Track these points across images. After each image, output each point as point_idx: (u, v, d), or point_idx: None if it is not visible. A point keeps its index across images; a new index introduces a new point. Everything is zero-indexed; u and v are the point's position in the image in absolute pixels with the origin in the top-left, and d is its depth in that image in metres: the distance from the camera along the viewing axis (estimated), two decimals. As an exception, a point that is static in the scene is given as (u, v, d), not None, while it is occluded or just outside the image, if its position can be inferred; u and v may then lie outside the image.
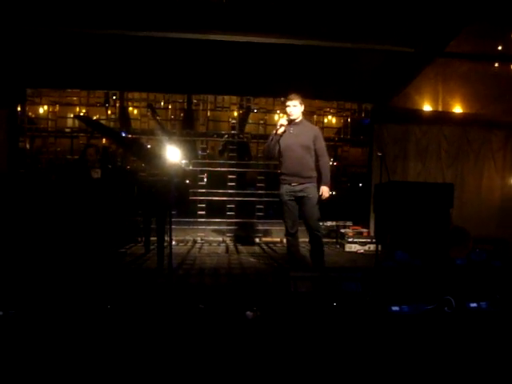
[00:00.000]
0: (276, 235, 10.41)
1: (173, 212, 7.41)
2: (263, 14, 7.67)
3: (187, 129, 11.35)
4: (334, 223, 10.53)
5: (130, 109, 12.19)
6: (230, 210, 10.50)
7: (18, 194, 6.67)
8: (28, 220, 6.70)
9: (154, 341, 4.29)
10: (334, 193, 9.81)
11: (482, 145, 10.42)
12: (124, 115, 11.69)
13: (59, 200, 6.61)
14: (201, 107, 11.66)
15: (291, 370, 3.80)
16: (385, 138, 10.12)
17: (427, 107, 10.24)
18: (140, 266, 7.51)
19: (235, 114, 11.48)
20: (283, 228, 6.93)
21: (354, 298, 5.40)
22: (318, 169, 6.54)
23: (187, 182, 8.14)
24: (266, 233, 10.72)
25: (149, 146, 9.60)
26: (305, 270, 6.10)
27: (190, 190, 9.87)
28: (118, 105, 11.56)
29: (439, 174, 10.24)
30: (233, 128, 10.97)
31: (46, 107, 11.45)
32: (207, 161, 10.86)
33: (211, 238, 10.37)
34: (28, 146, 10.87)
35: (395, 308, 5.24)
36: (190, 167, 10.13)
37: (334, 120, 12.78)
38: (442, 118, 10.23)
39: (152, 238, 8.15)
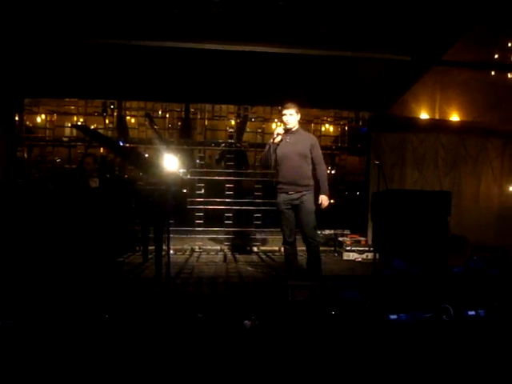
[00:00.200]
0: (274, 244, 10.39)
1: (171, 221, 7.40)
2: (261, 24, 7.69)
3: (185, 138, 11.35)
4: (331, 231, 10.53)
5: (128, 118, 12.19)
6: (228, 218, 10.48)
7: (16, 203, 6.66)
8: (26, 230, 6.69)
9: (153, 350, 4.28)
10: (332, 201, 9.82)
11: (479, 152, 10.44)
12: (122, 124, 11.69)
13: (57, 209, 6.61)
14: (198, 116, 11.69)
15: (290, 378, 3.79)
16: (382, 146, 10.13)
17: (424, 115, 10.25)
18: (138, 275, 7.50)
19: (233, 122, 11.49)
20: (281, 237, 6.93)
21: (352, 307, 5.40)
22: (315, 177, 6.54)
23: (185, 190, 8.14)
24: (264, 241, 10.70)
25: (146, 155, 9.60)
26: (303, 278, 6.08)
27: (188, 199, 9.87)
28: (115, 114, 11.56)
29: (437, 182, 10.25)
30: (230, 137, 10.99)
31: (43, 116, 11.46)
32: (205, 170, 10.85)
33: (209, 247, 10.35)
34: (26, 155, 10.86)
35: (393, 316, 5.23)
36: (188, 176, 10.13)
37: (331, 128, 12.78)
38: (439, 126, 10.25)
39: (150, 247, 8.13)
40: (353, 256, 9.50)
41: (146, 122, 10.75)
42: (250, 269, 8.34)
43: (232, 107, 11.37)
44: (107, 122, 11.54)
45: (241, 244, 10.42)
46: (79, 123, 11.41)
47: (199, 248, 10.24)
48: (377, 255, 7.12)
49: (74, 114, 11.66)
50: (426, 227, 7.84)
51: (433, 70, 9.06)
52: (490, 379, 3.90)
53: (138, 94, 10.03)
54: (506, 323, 5.32)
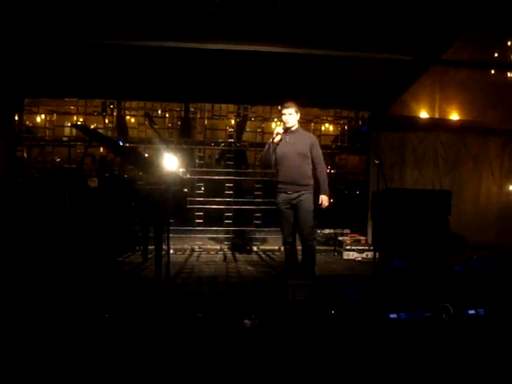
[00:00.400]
0: (274, 243, 10.39)
1: (170, 220, 7.40)
2: (260, 23, 7.68)
3: (184, 137, 11.34)
4: (331, 231, 10.54)
5: (128, 117, 12.18)
6: (228, 218, 10.48)
7: (16, 203, 6.66)
8: (26, 230, 6.69)
9: (153, 349, 4.28)
10: (331, 200, 9.82)
11: (479, 152, 10.43)
12: (121, 124, 11.68)
13: (57, 209, 6.60)
14: (198, 116, 11.68)
15: (289, 377, 3.79)
16: (382, 145, 10.12)
17: (424, 114, 10.25)
18: (138, 275, 7.50)
19: (232, 122, 11.48)
20: (281, 236, 6.93)
21: (352, 306, 5.39)
22: (315, 177, 6.54)
23: (185, 190, 8.13)
24: (264, 241, 10.71)
25: (146, 155, 9.60)
26: (303, 278, 6.08)
27: (188, 199, 9.87)
28: (115, 114, 11.54)
29: (436, 181, 10.24)
30: (230, 136, 10.98)
31: (43, 116, 11.44)
32: (205, 169, 10.85)
33: (209, 247, 10.35)
34: (26, 155, 10.85)
35: (393, 315, 5.23)
36: (188, 176, 10.12)
37: (331, 128, 12.76)
38: (439, 125, 10.24)
39: (150, 247, 8.13)
40: (353, 255, 9.51)
41: (146, 122, 10.74)
42: (249, 268, 8.34)
43: (232, 107, 11.35)
44: (107, 121, 11.53)
45: (241, 243, 10.42)
46: (79, 123, 11.39)
47: (199, 247, 10.24)
48: (377, 254, 7.12)
49: (74, 114, 11.64)
50: (426, 226, 7.84)
51: (432, 70, 9.05)
52: (491, 378, 3.90)
53: (138, 93, 10.03)
54: (506, 322, 5.31)
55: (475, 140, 10.40)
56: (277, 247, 10.19)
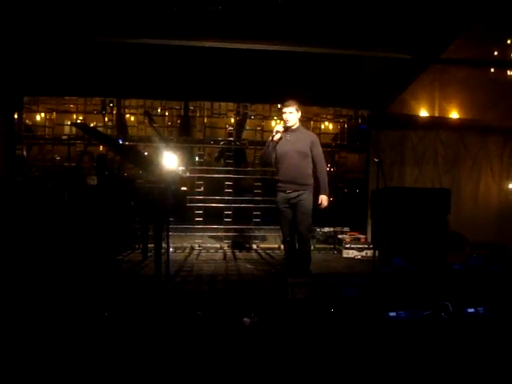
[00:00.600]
0: (273, 241, 10.40)
1: (170, 219, 7.41)
2: (260, 22, 7.68)
3: (184, 135, 11.33)
4: (331, 229, 10.53)
5: (127, 116, 12.17)
6: (228, 216, 10.49)
7: (16, 202, 6.66)
8: (25, 228, 6.69)
9: (152, 347, 4.29)
10: (331, 199, 9.82)
11: (479, 150, 10.42)
12: (121, 122, 11.67)
13: (56, 208, 6.60)
14: (198, 114, 11.66)
15: (289, 376, 3.79)
16: (382, 143, 10.11)
17: (424, 113, 10.24)
18: (137, 273, 7.50)
19: (232, 120, 11.48)
20: (280, 234, 6.94)
21: (352, 304, 5.40)
22: (315, 176, 6.53)
23: (184, 188, 8.14)
24: (264, 239, 10.71)
25: (146, 153, 9.59)
26: (302, 276, 6.08)
27: (187, 197, 9.87)
28: (114, 112, 11.52)
29: (436, 180, 10.24)
30: (230, 135, 10.99)
31: (43, 114, 11.44)
32: (204, 167, 10.85)
33: (208, 245, 10.36)
34: (25, 153, 10.85)
35: (392, 314, 5.24)
36: (187, 174, 10.13)
37: (330, 126, 12.78)
38: (438, 124, 10.23)
39: (149, 245, 8.14)
40: (352, 253, 9.51)
41: (146, 120, 10.73)
42: (249, 266, 8.34)
43: (231, 105, 11.35)
44: (106, 120, 11.51)
45: (240, 242, 10.44)
46: (78, 121, 11.38)
47: (199, 246, 10.24)
48: (376, 253, 7.14)
49: (74, 112, 11.62)
50: (425, 225, 7.83)
51: (432, 68, 9.04)
52: (490, 376, 3.90)
53: (137, 92, 10.03)
54: (505, 320, 5.32)
55: (475, 138, 10.40)
56: (276, 245, 10.21)
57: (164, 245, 6.74)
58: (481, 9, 7.45)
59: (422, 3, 7.33)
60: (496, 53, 9.16)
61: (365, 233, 10.17)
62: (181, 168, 9.05)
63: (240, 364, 4.01)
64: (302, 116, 6.73)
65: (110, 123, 11.49)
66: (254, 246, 10.38)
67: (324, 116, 12.03)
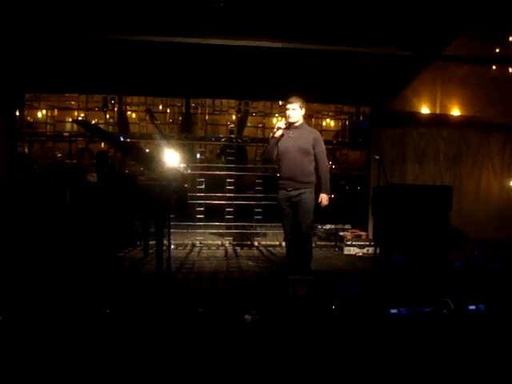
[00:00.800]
0: (274, 238, 10.41)
1: (171, 216, 7.41)
2: (262, 18, 7.67)
3: (185, 132, 11.32)
4: (332, 226, 10.55)
5: (129, 113, 12.17)
6: (229, 213, 10.49)
7: (17, 199, 6.67)
8: (27, 225, 6.69)
9: (153, 344, 4.29)
10: (332, 196, 9.82)
11: (480, 147, 10.40)
12: (122, 119, 11.67)
13: (58, 205, 6.60)
14: (199, 111, 11.68)
15: (290, 372, 3.80)
16: (383, 140, 10.10)
17: (425, 110, 10.23)
18: (139, 270, 7.51)
19: (233, 117, 11.48)
20: (282, 231, 6.93)
21: (353, 301, 5.41)
22: (317, 174, 6.47)
23: (186, 185, 8.13)
24: (265, 236, 10.71)
25: (147, 150, 9.61)
26: (303, 273, 6.08)
27: (189, 194, 9.88)
28: (116, 109, 11.53)
29: (437, 177, 10.22)
30: (231, 132, 10.99)
31: (44, 111, 11.44)
32: (206, 164, 10.85)
33: (210, 242, 10.37)
34: (27, 150, 10.86)
35: (394, 311, 5.24)
36: (189, 171, 10.13)
37: (332, 123, 12.78)
38: (440, 121, 10.21)
39: (151, 242, 8.14)
40: (353, 251, 9.52)
41: (147, 117, 10.73)
42: (250, 263, 8.35)
43: (233, 102, 11.36)
44: (108, 116, 11.53)
45: (241, 239, 10.44)
46: (80, 118, 11.38)
47: (200, 243, 10.25)
48: (377, 250, 7.12)
49: (75, 109, 11.63)
50: (426, 222, 7.83)
51: (433, 65, 9.05)
52: (491, 374, 3.91)
53: (139, 89, 10.03)
54: (506, 318, 5.32)
55: (476, 136, 10.38)
56: (277, 242, 10.22)
57: (165, 242, 6.75)
58: (483, 6, 7.44)
59: (422, 0, 7.33)
60: (498, 50, 9.14)
61: (366, 230, 10.17)
62: (182, 165, 9.06)
63: (241, 361, 4.02)
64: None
65: (111, 120, 11.51)
66: (256, 243, 10.38)
67: (325, 113, 12.01)
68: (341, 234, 10.10)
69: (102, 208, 6.80)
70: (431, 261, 6.89)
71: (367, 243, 9.57)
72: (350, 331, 4.85)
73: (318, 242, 10.33)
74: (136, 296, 5.64)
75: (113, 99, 11.35)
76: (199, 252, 9.54)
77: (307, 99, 6.56)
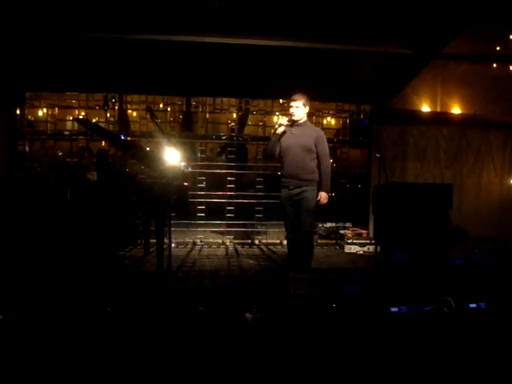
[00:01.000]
0: (275, 237, 10.41)
1: (172, 214, 7.41)
2: (261, 17, 7.66)
3: (186, 131, 11.33)
4: (333, 224, 10.56)
5: (129, 111, 12.18)
6: (230, 211, 10.50)
7: (17, 198, 6.67)
8: (27, 224, 6.70)
9: (154, 343, 4.30)
10: (333, 194, 9.81)
11: (480, 145, 10.40)
12: (123, 118, 11.68)
13: (58, 203, 6.60)
14: (200, 109, 11.66)
15: (291, 371, 3.80)
16: (383, 139, 10.10)
17: (426, 108, 10.22)
18: (139, 269, 7.52)
19: (234, 115, 11.48)
20: (282, 230, 6.94)
21: (354, 300, 5.41)
22: (319, 172, 6.45)
23: (186, 184, 8.13)
24: (266, 234, 10.71)
25: (148, 149, 9.58)
26: (304, 271, 6.09)
27: (189, 192, 9.87)
28: (117, 107, 11.54)
29: (438, 175, 10.23)
30: (232, 130, 10.99)
31: (45, 110, 11.44)
32: (206, 163, 10.85)
33: (211, 240, 10.37)
34: (27, 149, 10.86)
35: (394, 309, 5.25)
36: (189, 169, 10.14)
37: (332, 121, 12.77)
38: (440, 119, 10.21)
39: (151, 241, 8.14)
40: (354, 249, 9.52)
41: (148, 116, 10.70)
42: (251, 262, 8.36)
43: (233, 100, 11.36)
44: (108, 115, 11.54)
45: (242, 237, 10.45)
46: (80, 117, 11.39)
47: (201, 241, 10.27)
48: (378, 248, 7.13)
49: (76, 108, 11.62)
50: (427, 220, 7.83)
51: (433, 64, 9.03)
52: (491, 372, 3.91)
53: (139, 87, 10.03)
54: (507, 316, 5.32)
55: (477, 134, 10.38)
56: (278, 241, 10.23)
57: (166, 240, 6.76)
58: (483, 4, 7.44)
59: (423, -2, 7.34)
60: (498, 48, 9.14)
61: (367, 228, 10.18)
62: (183, 163, 9.06)
63: (242, 359, 4.02)
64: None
65: (112, 119, 11.52)
66: (256, 242, 10.39)
67: (326, 111, 12.01)
68: (341, 232, 10.10)
69: (102, 206, 6.80)
70: (432, 259, 6.89)
71: (368, 241, 9.57)
72: (351, 329, 4.85)
73: (319, 240, 10.35)
74: (137, 294, 5.64)
75: (113, 98, 11.36)
76: (200, 250, 9.55)
77: (308, 97, 6.54)
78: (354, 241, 9.60)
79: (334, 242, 10.34)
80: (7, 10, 7.31)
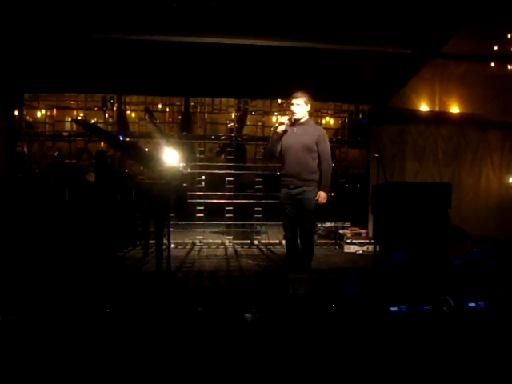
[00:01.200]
0: (274, 237, 10.40)
1: (171, 215, 7.41)
2: (260, 17, 7.67)
3: (185, 131, 11.31)
4: (332, 224, 10.55)
5: (128, 112, 12.16)
6: (229, 212, 10.49)
7: (16, 199, 6.67)
8: (26, 225, 6.70)
9: (154, 344, 4.30)
10: (332, 194, 9.81)
11: (479, 144, 10.41)
12: (122, 118, 11.67)
13: (57, 204, 6.61)
14: (198, 110, 11.65)
15: (290, 371, 3.81)
16: (382, 138, 10.10)
17: (424, 107, 10.23)
18: (139, 270, 7.52)
19: (233, 116, 11.48)
20: (282, 230, 6.91)
21: (353, 299, 5.41)
22: (319, 171, 6.37)
23: (185, 184, 8.13)
24: (265, 234, 10.71)
25: (146, 149, 9.59)
26: (303, 271, 6.08)
27: (188, 193, 9.87)
28: (115, 108, 11.51)
29: (437, 174, 10.23)
30: (230, 130, 10.99)
31: (43, 111, 11.42)
32: (205, 163, 10.84)
33: (210, 241, 10.36)
34: (26, 150, 10.85)
35: (394, 308, 5.25)
36: (188, 170, 10.13)
37: (331, 121, 12.76)
38: (439, 118, 10.21)
39: (151, 242, 8.14)
40: (353, 249, 9.52)
41: (146, 116, 10.71)
42: (250, 262, 8.36)
43: (232, 101, 11.33)
44: (107, 116, 11.51)
45: (242, 237, 10.45)
46: (79, 118, 11.39)
47: (200, 242, 10.25)
48: (377, 247, 7.12)
49: (74, 109, 11.62)
50: (426, 219, 7.83)
51: (432, 63, 9.04)
52: (491, 370, 3.91)
53: (138, 88, 10.02)
54: (506, 315, 5.33)
55: (475, 133, 10.39)
56: (277, 241, 10.22)
57: (165, 241, 6.76)
58: (480, 3, 7.44)
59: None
60: (496, 47, 9.15)
61: (366, 228, 10.18)
62: (182, 164, 9.06)
63: (242, 359, 4.02)
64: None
65: (110, 120, 11.50)
66: (256, 242, 10.39)
67: (325, 111, 12.01)
68: (341, 231, 10.10)
69: (101, 207, 6.80)
70: (431, 258, 6.89)
71: (367, 241, 9.57)
72: (351, 329, 4.86)
73: (318, 240, 10.33)
74: (136, 295, 5.64)
75: (112, 98, 11.33)
76: (199, 251, 9.54)
77: (310, 96, 6.50)
78: (354, 240, 9.60)
79: (334, 241, 10.35)
80: (6, 10, 7.31)
